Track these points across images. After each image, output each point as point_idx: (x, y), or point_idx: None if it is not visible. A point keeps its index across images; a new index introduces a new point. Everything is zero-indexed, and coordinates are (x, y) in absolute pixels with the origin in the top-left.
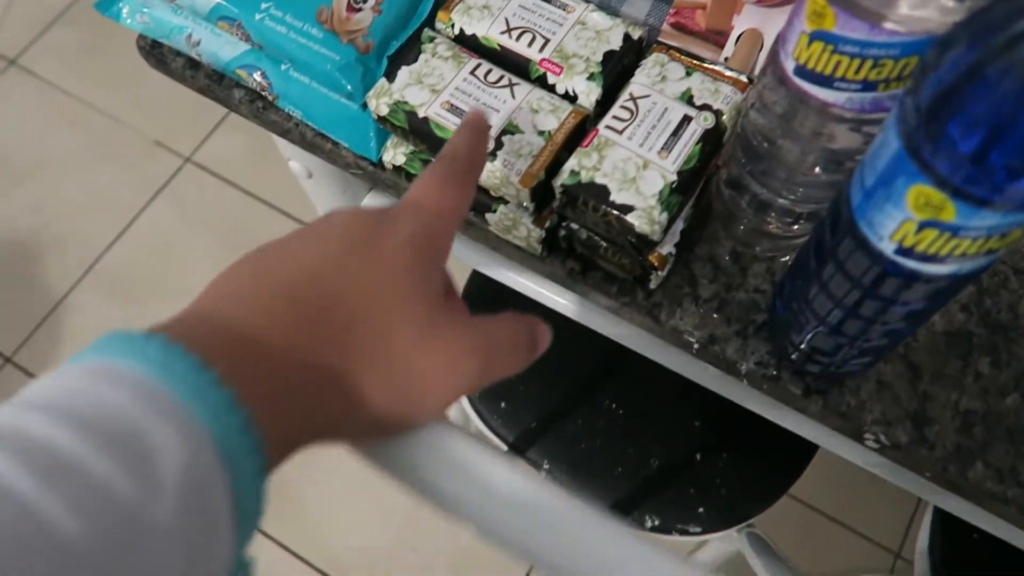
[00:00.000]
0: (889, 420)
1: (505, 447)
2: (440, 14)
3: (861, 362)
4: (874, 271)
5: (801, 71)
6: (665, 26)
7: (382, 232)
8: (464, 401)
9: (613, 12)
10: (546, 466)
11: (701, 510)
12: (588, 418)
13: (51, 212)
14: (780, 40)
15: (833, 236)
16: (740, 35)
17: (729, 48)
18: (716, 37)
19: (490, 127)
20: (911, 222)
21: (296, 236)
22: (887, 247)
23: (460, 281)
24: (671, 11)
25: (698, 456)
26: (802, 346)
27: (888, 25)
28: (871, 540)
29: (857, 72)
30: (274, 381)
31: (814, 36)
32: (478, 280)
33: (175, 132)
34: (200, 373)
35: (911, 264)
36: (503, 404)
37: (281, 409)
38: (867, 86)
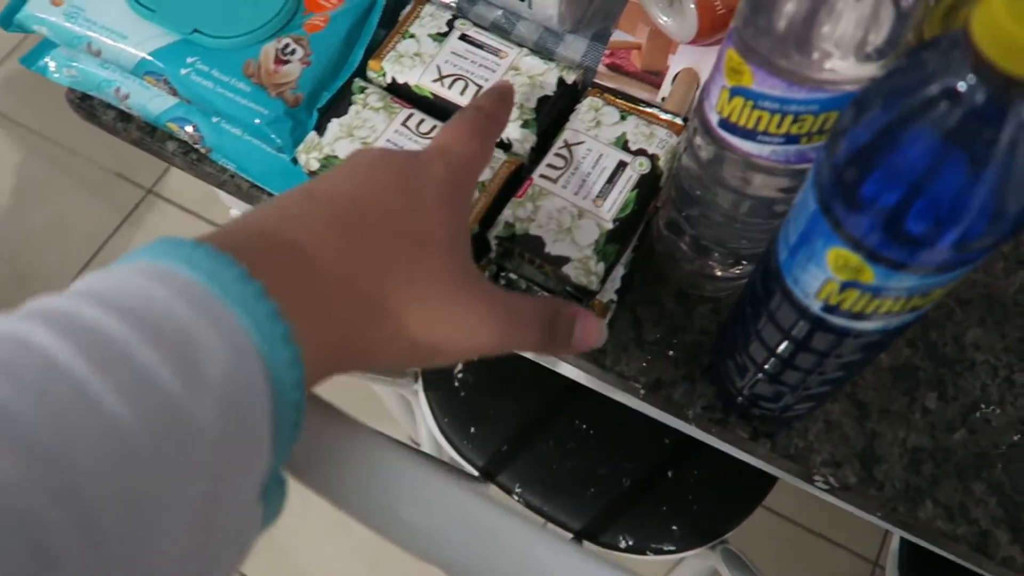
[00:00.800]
0: (838, 461)
1: (476, 472)
2: (371, 63)
3: (805, 407)
4: (803, 326)
5: (725, 124)
6: (601, 67)
7: (417, 174)
8: (434, 428)
9: (548, 54)
10: (518, 490)
11: (675, 528)
12: (558, 439)
13: (16, 244)
14: (704, 92)
15: (764, 288)
16: (676, 75)
17: (666, 88)
18: (652, 77)
19: (513, 99)
20: (833, 282)
21: (337, 171)
22: (814, 304)
23: None
24: (606, 52)
25: (669, 473)
26: (745, 391)
27: (806, 82)
28: (849, 550)
29: (779, 127)
30: (319, 298)
31: (734, 91)
32: None
33: (135, 164)
34: (247, 283)
35: (839, 321)
36: (472, 429)
37: (325, 326)
38: (790, 139)
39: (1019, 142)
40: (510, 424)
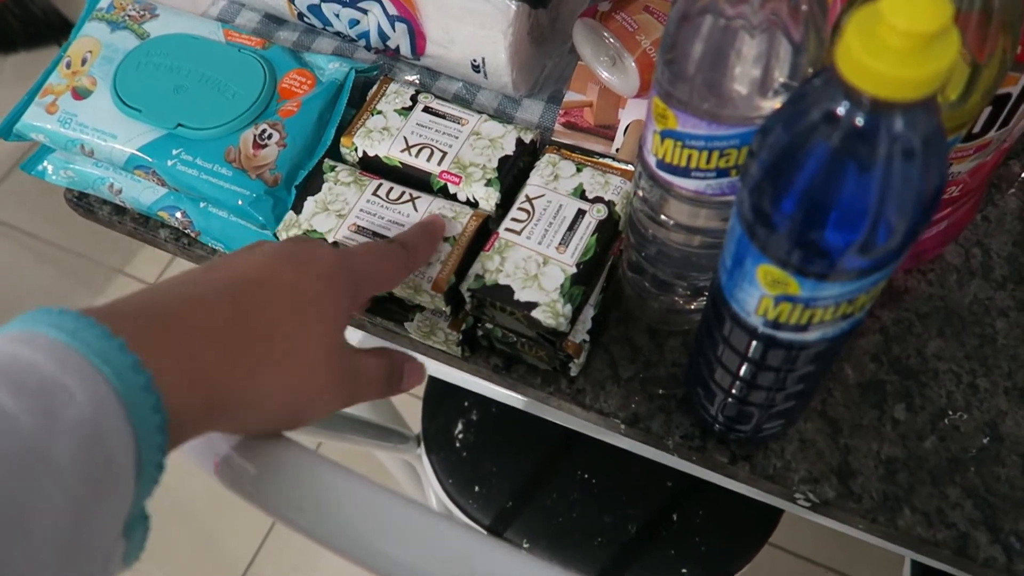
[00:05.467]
0: (815, 477)
1: (483, 532)
2: (343, 139)
3: (777, 424)
4: (754, 344)
5: (661, 165)
6: (557, 126)
7: (307, 255)
8: (439, 491)
9: (508, 118)
10: (525, 545)
11: (684, 571)
12: (562, 491)
13: None
14: (642, 138)
15: (715, 314)
16: (627, 126)
17: (618, 140)
18: (605, 131)
19: (442, 236)
20: (767, 298)
21: (237, 252)
22: (756, 321)
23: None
24: (561, 112)
25: (674, 516)
26: (718, 417)
27: (724, 120)
28: None
29: (708, 162)
30: (189, 354)
31: (664, 134)
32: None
33: (137, 261)
34: (108, 339)
35: (782, 335)
36: (476, 488)
37: (193, 379)
38: (720, 173)
39: (894, 152)
40: (513, 480)
